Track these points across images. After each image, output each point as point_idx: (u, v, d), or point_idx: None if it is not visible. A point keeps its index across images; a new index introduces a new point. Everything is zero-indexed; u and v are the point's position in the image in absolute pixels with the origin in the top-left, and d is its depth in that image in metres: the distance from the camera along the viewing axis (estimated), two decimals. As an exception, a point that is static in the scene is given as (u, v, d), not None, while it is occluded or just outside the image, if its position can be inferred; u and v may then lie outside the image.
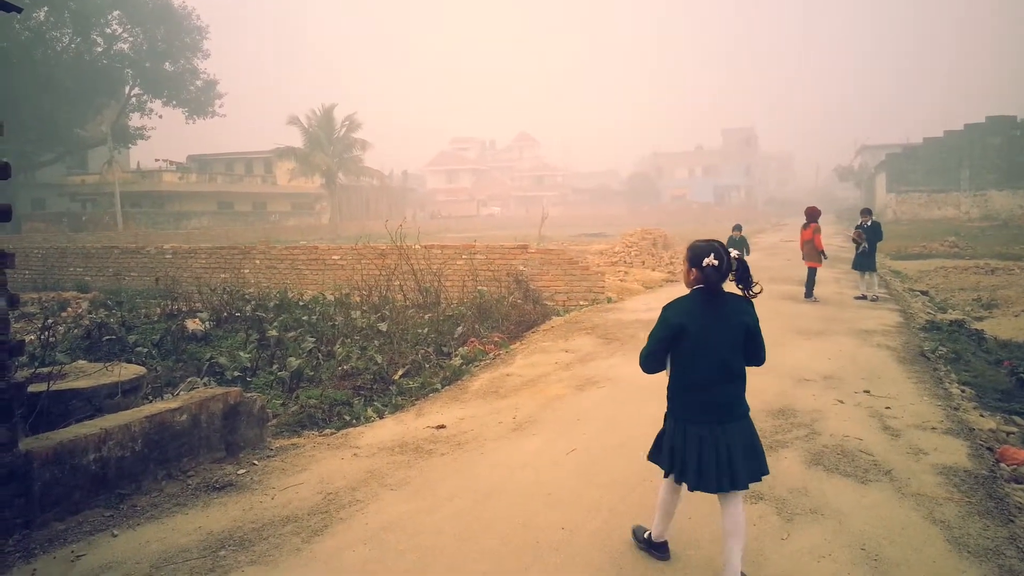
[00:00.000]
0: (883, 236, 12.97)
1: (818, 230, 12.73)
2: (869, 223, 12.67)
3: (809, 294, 12.64)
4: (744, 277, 3.35)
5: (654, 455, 3.58)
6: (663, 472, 3.51)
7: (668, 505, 3.56)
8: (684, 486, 3.42)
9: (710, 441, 3.24)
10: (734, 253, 3.32)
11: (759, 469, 3.31)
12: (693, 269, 3.31)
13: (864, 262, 12.53)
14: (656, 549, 3.64)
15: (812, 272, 12.71)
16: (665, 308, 3.38)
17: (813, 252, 12.58)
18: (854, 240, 12.73)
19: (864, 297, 12.43)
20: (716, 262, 3.22)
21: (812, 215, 12.89)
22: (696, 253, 3.29)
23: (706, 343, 3.25)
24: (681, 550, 3.67)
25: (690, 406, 3.33)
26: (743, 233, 14.35)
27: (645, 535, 3.72)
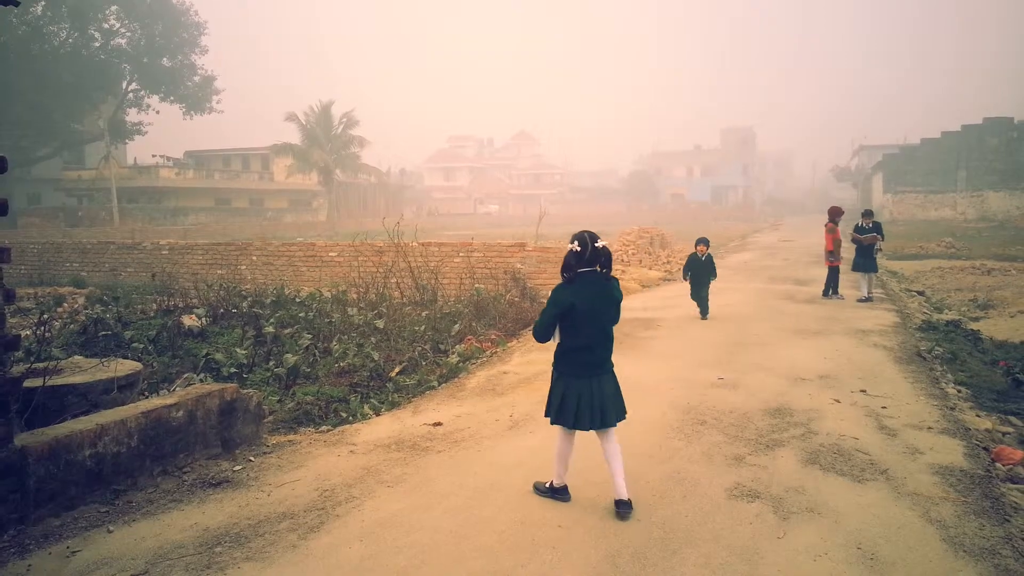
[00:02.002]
0: (884, 237, 12.99)
1: (831, 230, 12.79)
2: (870, 224, 12.65)
3: (827, 292, 12.85)
4: (607, 264, 4.09)
5: (547, 412, 4.24)
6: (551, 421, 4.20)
7: (565, 453, 4.24)
8: (575, 435, 4.23)
9: (587, 390, 4.05)
10: (600, 243, 4.04)
11: (622, 411, 4.20)
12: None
13: (865, 263, 12.49)
14: (559, 493, 4.26)
15: (834, 270, 12.82)
16: (556, 290, 4.10)
17: (832, 252, 12.70)
18: (854, 241, 12.71)
19: (868, 299, 12.38)
20: (578, 248, 4.00)
21: (830, 215, 12.95)
22: (571, 241, 4.08)
23: (592, 315, 4.04)
24: (679, 546, 3.68)
25: (577, 363, 4.09)
26: (709, 249, 11.04)
27: (547, 485, 4.33)
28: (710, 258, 10.97)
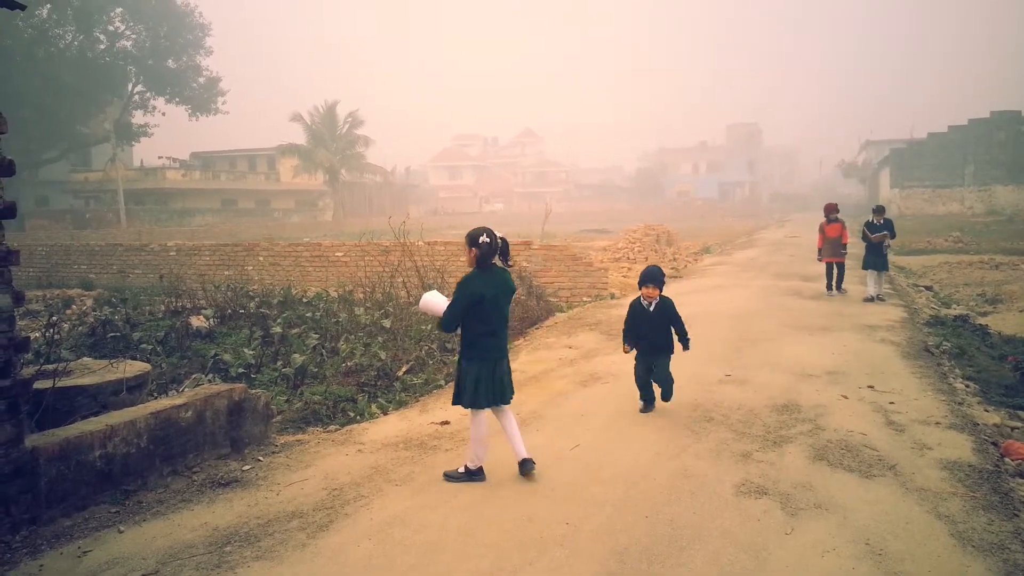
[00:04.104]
0: (895, 234, 12.78)
1: (820, 228, 12.86)
2: (881, 221, 12.46)
3: (835, 288, 12.87)
4: (505, 253, 4.54)
5: (457, 400, 4.60)
6: (467, 409, 4.57)
7: (484, 435, 4.56)
8: (487, 415, 4.58)
9: (488, 372, 4.48)
10: (500, 233, 4.49)
11: (512, 390, 4.71)
12: (472, 248, 4.44)
13: (875, 261, 12.30)
14: (476, 475, 4.58)
15: (830, 267, 12.82)
16: (463, 283, 4.41)
17: (832, 248, 12.73)
18: (864, 238, 12.58)
19: (873, 298, 12.15)
20: (488, 240, 4.41)
21: (825, 211, 13.00)
22: (472, 236, 4.45)
23: (496, 303, 4.47)
24: (687, 543, 3.68)
25: (485, 348, 4.49)
26: (662, 292, 5.93)
27: (460, 471, 4.62)
28: (667, 307, 5.94)
